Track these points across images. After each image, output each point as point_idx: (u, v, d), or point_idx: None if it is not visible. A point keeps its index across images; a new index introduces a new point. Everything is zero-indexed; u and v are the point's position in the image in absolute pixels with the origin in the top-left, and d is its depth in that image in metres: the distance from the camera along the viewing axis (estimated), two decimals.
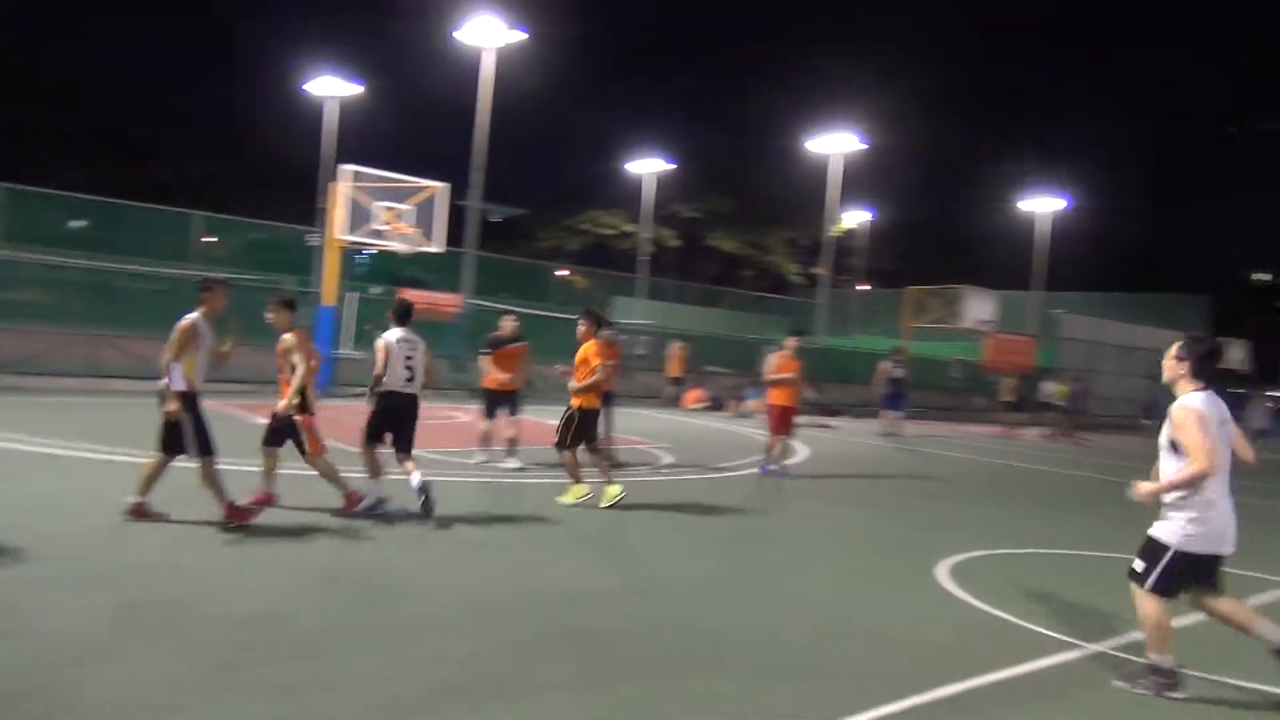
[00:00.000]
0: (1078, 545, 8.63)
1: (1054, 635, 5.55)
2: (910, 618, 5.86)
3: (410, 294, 27.45)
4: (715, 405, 22.61)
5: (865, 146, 36.43)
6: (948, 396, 27.80)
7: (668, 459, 12.38)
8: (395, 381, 7.61)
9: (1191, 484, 4.49)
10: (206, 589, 5.30)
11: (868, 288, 59.53)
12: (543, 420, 10.59)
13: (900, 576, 6.99)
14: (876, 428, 19.46)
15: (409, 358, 7.63)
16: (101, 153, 46.62)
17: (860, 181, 47.01)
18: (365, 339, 24.11)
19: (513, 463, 10.38)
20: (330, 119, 37.68)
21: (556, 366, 10.00)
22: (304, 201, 40.29)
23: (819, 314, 36.00)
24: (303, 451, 7.32)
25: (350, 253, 21.27)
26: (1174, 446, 4.60)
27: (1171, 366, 4.76)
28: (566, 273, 41.44)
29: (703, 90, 70.85)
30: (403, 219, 17.61)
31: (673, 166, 47.38)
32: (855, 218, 56.09)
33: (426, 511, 7.34)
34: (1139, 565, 4.71)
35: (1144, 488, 4.68)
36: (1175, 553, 4.58)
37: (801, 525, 8.65)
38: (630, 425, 15.98)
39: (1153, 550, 4.66)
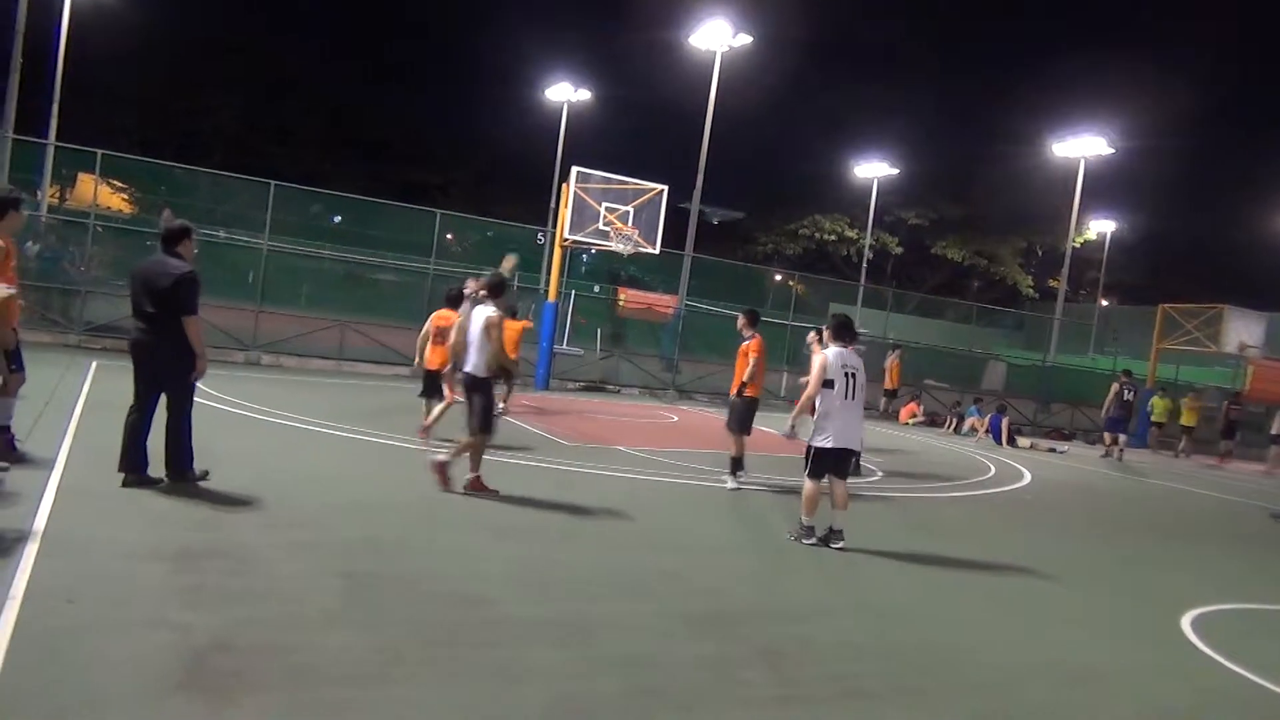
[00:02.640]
0: None
1: None
2: (1149, 670, 5.33)
3: (628, 294, 28.26)
4: (932, 420, 21.70)
5: (1112, 151, 33.78)
6: (1200, 427, 25.20)
7: (877, 474, 11.93)
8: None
9: (808, 400, 7.36)
10: (425, 568, 5.58)
11: (1105, 303, 55.24)
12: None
13: (1138, 623, 6.36)
14: (1100, 451, 18.98)
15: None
16: (355, 154, 50.85)
17: (1106, 189, 43.71)
18: (582, 334, 24.95)
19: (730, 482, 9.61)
20: (563, 123, 39.30)
21: None
22: (537, 201, 42.30)
23: (1054, 330, 33.66)
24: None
25: (576, 252, 22.02)
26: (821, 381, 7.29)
27: (825, 335, 7.80)
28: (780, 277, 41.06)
29: (933, 92, 68.12)
30: (624, 219, 18.01)
31: (896, 171, 45.97)
32: (1098, 227, 52.25)
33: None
34: (805, 461, 7.40)
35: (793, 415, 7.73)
36: (814, 449, 7.31)
37: (1025, 555, 8.04)
38: None
39: (807, 450, 7.41)
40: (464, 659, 4.22)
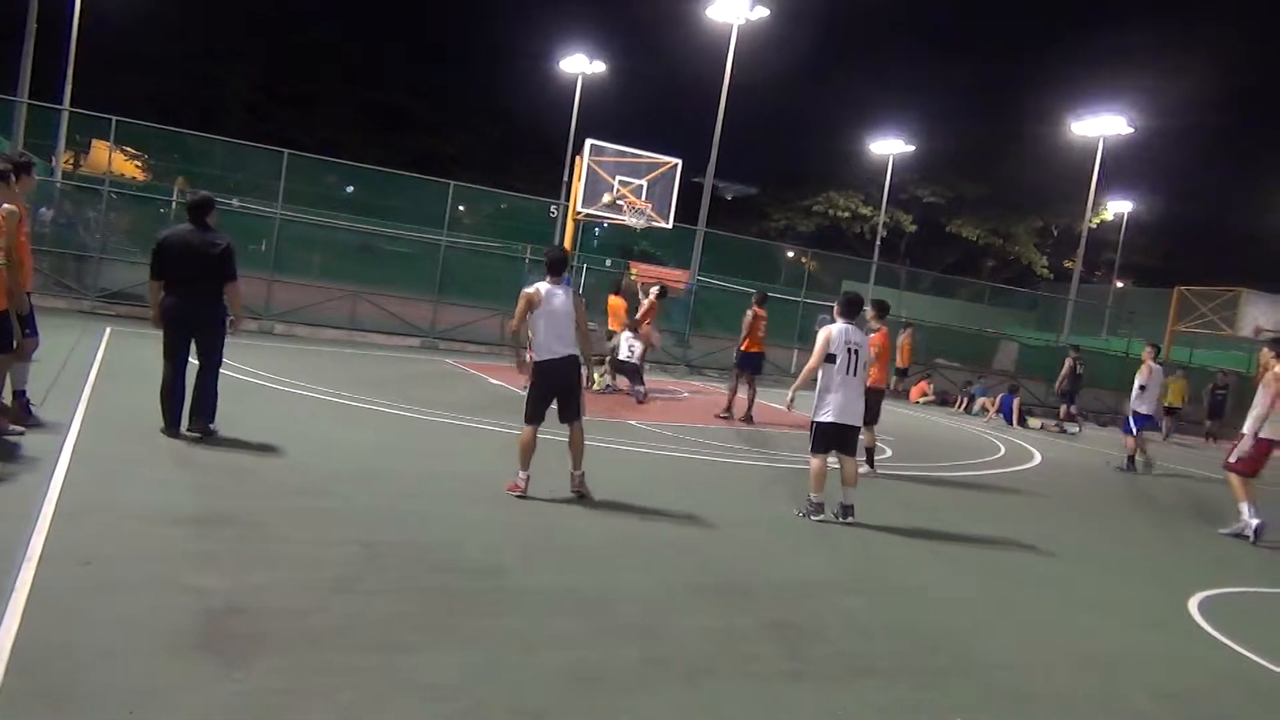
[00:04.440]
0: None
1: None
2: (1159, 653, 5.33)
3: (640, 268, 28.21)
4: (943, 400, 21.65)
5: (1131, 130, 33.42)
6: (1208, 410, 25.07)
7: (887, 452, 11.92)
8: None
9: (809, 373, 7.51)
10: (440, 538, 5.62)
11: (1120, 285, 54.83)
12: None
13: (1146, 605, 6.36)
14: (1056, 425, 19.37)
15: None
16: (370, 124, 50.67)
17: (1124, 169, 43.29)
18: (594, 309, 24.89)
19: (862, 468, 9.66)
20: (577, 95, 39.06)
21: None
22: (550, 174, 42.16)
23: (1068, 310, 33.47)
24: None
25: (588, 225, 21.96)
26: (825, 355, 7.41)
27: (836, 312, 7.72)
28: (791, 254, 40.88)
29: (951, 68, 67.41)
30: (637, 193, 17.90)
31: (912, 148, 45.60)
32: (1116, 208, 51.80)
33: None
34: (809, 438, 7.57)
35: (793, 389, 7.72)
36: (814, 424, 7.49)
37: (1034, 536, 8.02)
38: None
39: (810, 426, 7.55)
40: (479, 627, 4.25)
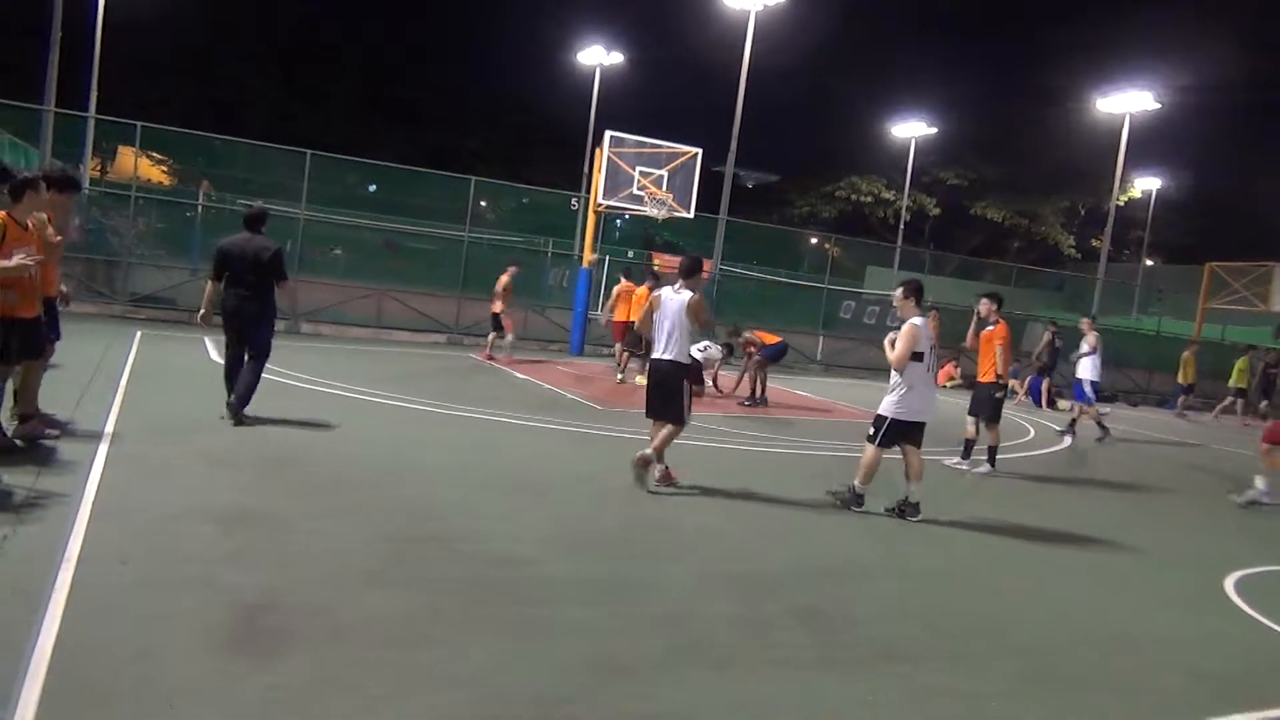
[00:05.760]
0: None
1: None
2: (1194, 634, 5.27)
3: (662, 259, 28.17)
4: (970, 383, 21.45)
5: (1158, 106, 32.88)
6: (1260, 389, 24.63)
7: None
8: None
9: (896, 369, 7.03)
10: (466, 530, 5.66)
11: (1150, 263, 54.06)
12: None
13: (1181, 586, 6.29)
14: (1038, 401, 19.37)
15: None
16: (390, 120, 50.90)
17: (1152, 145, 42.60)
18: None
19: (983, 467, 9.85)
20: (596, 87, 39.02)
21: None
22: (571, 166, 42.14)
23: (1096, 290, 33.05)
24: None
25: (610, 217, 21.96)
26: (893, 345, 7.04)
27: (901, 303, 7.21)
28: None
29: (974, 48, 66.77)
30: (658, 184, 17.88)
31: (934, 131, 45.18)
32: (1144, 185, 51.06)
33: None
34: (871, 430, 7.20)
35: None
36: (889, 420, 7.09)
37: (1064, 519, 7.96)
38: (877, 399, 15.46)
39: (878, 420, 7.17)
40: (505, 618, 4.28)
